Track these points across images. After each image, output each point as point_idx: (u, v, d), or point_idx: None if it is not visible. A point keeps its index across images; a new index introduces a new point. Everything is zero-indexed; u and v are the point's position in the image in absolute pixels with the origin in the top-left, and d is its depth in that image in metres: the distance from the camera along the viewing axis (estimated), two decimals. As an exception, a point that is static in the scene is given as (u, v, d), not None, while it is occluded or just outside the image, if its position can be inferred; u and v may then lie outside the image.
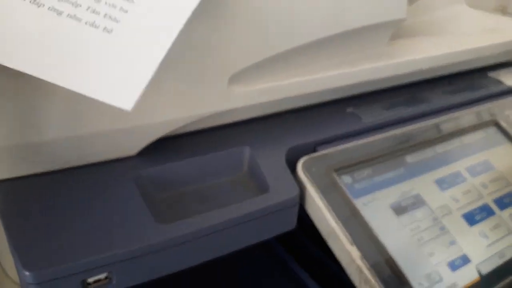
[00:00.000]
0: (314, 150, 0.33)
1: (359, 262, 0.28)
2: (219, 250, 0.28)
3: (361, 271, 0.28)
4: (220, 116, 0.31)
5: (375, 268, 0.28)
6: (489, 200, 0.35)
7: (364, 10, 0.33)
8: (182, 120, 0.29)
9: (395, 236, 0.30)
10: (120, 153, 0.28)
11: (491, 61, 0.47)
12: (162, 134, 0.28)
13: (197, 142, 0.31)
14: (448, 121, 0.38)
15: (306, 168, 0.31)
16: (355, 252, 0.28)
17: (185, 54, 0.27)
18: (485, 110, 0.41)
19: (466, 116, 0.39)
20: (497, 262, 0.31)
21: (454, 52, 0.40)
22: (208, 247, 0.27)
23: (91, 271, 0.23)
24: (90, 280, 0.23)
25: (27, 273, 0.21)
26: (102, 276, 0.23)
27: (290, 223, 0.30)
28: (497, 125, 0.40)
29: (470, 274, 0.30)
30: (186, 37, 0.27)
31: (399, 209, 0.31)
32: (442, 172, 0.35)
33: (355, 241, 0.28)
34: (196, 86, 0.28)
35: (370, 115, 0.37)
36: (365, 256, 0.28)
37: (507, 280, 0.31)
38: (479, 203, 0.34)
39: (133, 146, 0.28)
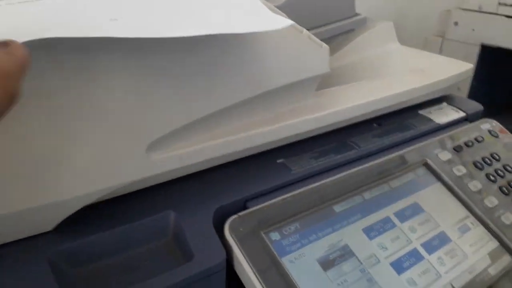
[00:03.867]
0: (244, 207, 0.34)
1: (283, 325, 0.28)
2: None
3: (285, 334, 0.28)
4: (142, 182, 0.31)
5: (300, 330, 0.28)
6: (417, 245, 0.36)
7: (287, 70, 0.34)
8: (100, 192, 0.28)
9: (322, 293, 0.30)
10: (34, 231, 0.27)
11: (422, 100, 0.48)
12: (78, 207, 0.28)
13: (118, 209, 0.30)
14: (375, 167, 0.39)
15: (233, 230, 0.31)
16: (279, 315, 0.28)
17: (101, 125, 0.27)
18: (413, 151, 0.42)
19: (394, 160, 0.41)
20: (424, 309, 0.32)
21: (381, 98, 0.42)
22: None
23: None
24: None
25: None
26: None
27: (217, 286, 0.30)
28: (426, 165, 0.42)
29: (397, 325, 0.31)
30: (100, 108, 0.27)
31: (327, 263, 0.32)
32: (370, 219, 0.36)
33: (280, 303, 0.29)
34: (112, 156, 0.28)
35: (300, 166, 0.37)
36: (290, 318, 0.28)
37: (434, 328, 0.31)
38: (408, 249, 0.35)
39: (47, 223, 0.27)
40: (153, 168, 0.30)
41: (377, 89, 0.43)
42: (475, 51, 0.86)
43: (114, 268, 0.28)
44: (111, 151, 0.28)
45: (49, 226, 0.28)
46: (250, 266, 0.30)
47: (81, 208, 0.29)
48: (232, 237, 0.31)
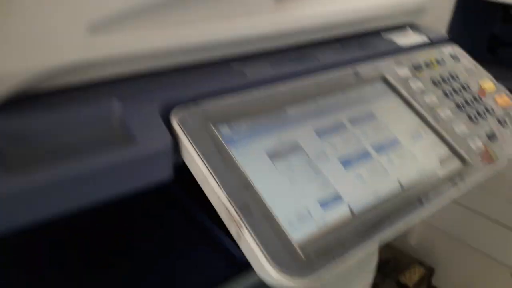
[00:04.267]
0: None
1: (227, 203, 0.28)
2: (85, 200, 0.28)
3: (228, 211, 0.28)
4: (89, 69, 0.31)
5: (242, 208, 0.28)
6: (368, 146, 0.36)
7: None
8: (37, 71, 0.28)
9: (267, 178, 0.31)
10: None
11: (385, 23, 0.49)
12: (17, 85, 0.28)
13: (64, 97, 0.30)
14: (333, 77, 0.40)
15: (180, 119, 0.31)
16: (222, 194, 0.29)
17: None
18: (372, 66, 0.42)
19: (353, 72, 0.41)
20: (370, 200, 0.33)
21: (342, 8, 0.42)
22: (71, 197, 0.27)
23: None
24: None
25: None
26: None
27: (164, 173, 0.31)
28: (384, 79, 0.42)
29: (341, 212, 0.31)
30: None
31: (275, 155, 0.32)
32: (323, 122, 0.36)
33: (224, 184, 0.29)
34: (50, 32, 0.28)
35: (256, 72, 0.37)
36: (232, 197, 0.29)
37: (378, 215, 0.32)
38: (358, 149, 0.36)
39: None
40: (94, 49, 0.29)
41: (338, 1, 0.43)
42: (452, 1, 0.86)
43: (55, 150, 0.28)
44: (49, 27, 0.27)
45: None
46: (196, 152, 0.30)
47: (25, 98, 0.29)
48: (179, 125, 0.31)
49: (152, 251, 0.50)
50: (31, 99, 0.29)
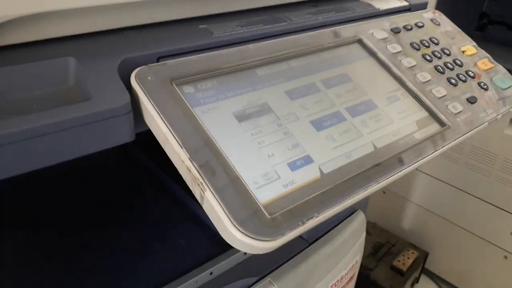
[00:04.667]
0: (157, 62, 0.32)
1: (188, 163, 0.27)
2: (44, 159, 0.26)
3: (189, 171, 0.27)
4: (42, 24, 0.29)
5: (204, 168, 0.27)
6: (341, 108, 0.35)
7: None
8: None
9: (234, 139, 0.29)
10: None
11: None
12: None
13: (17, 54, 0.29)
14: (305, 38, 0.38)
15: (140, 77, 0.30)
16: (183, 154, 0.27)
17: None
18: (348, 28, 0.41)
19: (326, 34, 0.39)
20: (341, 162, 0.31)
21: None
22: (26, 156, 0.25)
23: None
24: None
25: None
26: None
27: (125, 133, 0.29)
28: (360, 42, 0.41)
29: (311, 172, 0.30)
30: None
31: (243, 116, 0.31)
32: (294, 83, 0.35)
33: (186, 144, 0.28)
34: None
35: (223, 31, 0.36)
36: (194, 157, 0.27)
37: (349, 177, 0.31)
38: (330, 111, 0.34)
39: None
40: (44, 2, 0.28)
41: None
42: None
43: (4, 108, 0.27)
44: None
45: None
46: (156, 111, 0.28)
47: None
48: (138, 84, 0.29)
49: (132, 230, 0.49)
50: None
